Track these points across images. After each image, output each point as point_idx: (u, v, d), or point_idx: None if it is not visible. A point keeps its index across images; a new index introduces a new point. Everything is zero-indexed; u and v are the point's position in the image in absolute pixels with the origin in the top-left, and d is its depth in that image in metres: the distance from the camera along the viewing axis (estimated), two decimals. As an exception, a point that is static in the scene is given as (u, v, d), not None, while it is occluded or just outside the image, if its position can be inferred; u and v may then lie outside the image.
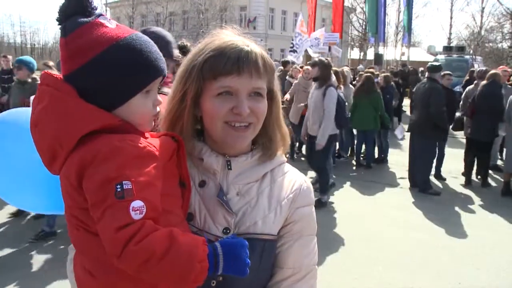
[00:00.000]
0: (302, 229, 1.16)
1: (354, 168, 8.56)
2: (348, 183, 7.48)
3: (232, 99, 1.05)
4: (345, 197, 6.66)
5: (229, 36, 1.10)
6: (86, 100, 0.94)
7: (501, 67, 9.51)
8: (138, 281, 0.92)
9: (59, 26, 0.99)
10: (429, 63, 7.95)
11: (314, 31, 17.57)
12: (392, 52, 29.31)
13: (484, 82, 7.30)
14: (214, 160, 1.11)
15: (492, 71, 7.54)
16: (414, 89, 7.68)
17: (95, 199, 0.88)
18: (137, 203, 0.87)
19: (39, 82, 1.01)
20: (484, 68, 8.69)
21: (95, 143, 0.91)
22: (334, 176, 6.83)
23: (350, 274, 4.17)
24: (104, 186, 0.87)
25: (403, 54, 26.84)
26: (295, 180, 1.19)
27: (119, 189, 0.86)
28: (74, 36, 0.95)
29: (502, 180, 7.21)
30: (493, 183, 7.58)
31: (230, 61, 1.03)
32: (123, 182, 0.87)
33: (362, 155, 8.73)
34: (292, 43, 14.33)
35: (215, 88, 1.05)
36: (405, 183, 7.38)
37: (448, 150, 7.91)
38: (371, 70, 11.34)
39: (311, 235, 1.19)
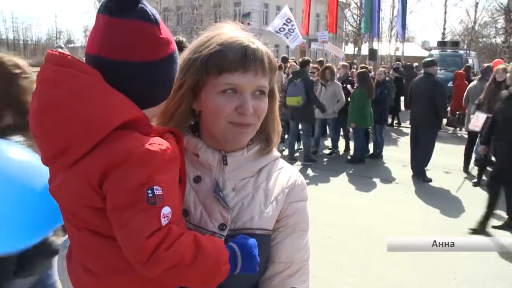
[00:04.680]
0: (295, 224, 1.15)
1: (350, 163, 8.58)
2: (344, 178, 7.49)
3: (237, 98, 1.03)
4: (340, 193, 6.67)
5: (233, 31, 1.08)
6: (128, 91, 0.91)
7: (495, 60, 9.57)
8: (146, 281, 0.90)
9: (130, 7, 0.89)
10: (424, 59, 8.14)
11: (308, 26, 17.46)
12: (386, 47, 29.35)
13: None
14: (210, 155, 1.10)
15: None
16: (411, 84, 7.73)
17: (122, 202, 0.84)
18: (167, 209, 0.86)
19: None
20: (486, 65, 8.73)
21: (124, 143, 0.85)
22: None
23: (346, 270, 4.17)
24: (136, 191, 0.83)
25: (397, 49, 26.91)
26: (290, 175, 1.20)
27: (150, 195, 0.84)
28: (161, 26, 0.93)
29: None
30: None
31: (237, 58, 1.01)
32: (154, 187, 0.84)
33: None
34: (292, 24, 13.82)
35: (219, 84, 1.03)
36: (400, 178, 7.40)
37: (445, 146, 7.91)
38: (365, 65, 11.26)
39: (304, 231, 1.18)
